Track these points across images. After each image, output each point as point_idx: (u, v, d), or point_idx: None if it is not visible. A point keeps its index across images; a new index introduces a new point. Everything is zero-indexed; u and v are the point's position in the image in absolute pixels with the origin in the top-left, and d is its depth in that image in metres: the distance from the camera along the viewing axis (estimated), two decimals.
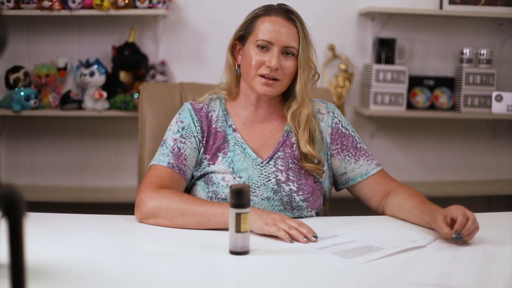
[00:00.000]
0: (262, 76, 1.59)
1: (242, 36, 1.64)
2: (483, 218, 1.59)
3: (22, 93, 2.93)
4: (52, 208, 2.57)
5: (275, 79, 1.59)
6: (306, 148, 1.62)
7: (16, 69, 3.02)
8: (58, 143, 3.20)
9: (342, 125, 1.71)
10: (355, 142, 1.70)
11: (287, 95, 1.68)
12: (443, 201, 1.43)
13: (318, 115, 1.70)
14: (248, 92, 1.66)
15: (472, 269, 1.21)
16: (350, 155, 1.68)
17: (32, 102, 2.94)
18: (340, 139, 1.69)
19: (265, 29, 1.59)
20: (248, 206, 1.27)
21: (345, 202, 2.43)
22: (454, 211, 1.37)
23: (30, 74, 3.05)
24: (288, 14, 1.61)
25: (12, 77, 2.98)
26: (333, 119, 1.70)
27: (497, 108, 3.18)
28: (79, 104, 3.01)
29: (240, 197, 1.26)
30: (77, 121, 3.19)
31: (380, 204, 1.67)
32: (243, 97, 1.68)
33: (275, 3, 1.66)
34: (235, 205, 1.26)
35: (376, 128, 3.34)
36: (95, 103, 2.98)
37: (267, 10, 1.62)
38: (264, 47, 1.59)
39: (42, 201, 2.97)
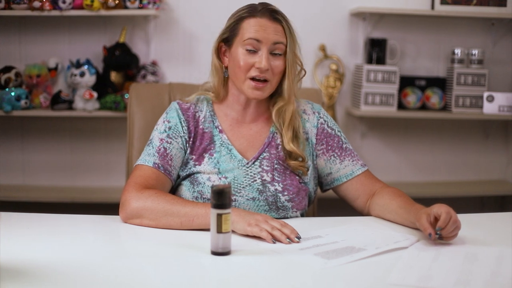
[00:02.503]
0: (252, 79, 1.59)
1: (227, 39, 1.63)
2: (474, 219, 1.59)
3: (13, 93, 2.93)
4: (44, 208, 2.58)
5: (265, 81, 1.59)
6: (289, 146, 1.62)
7: (7, 69, 3.02)
8: (49, 143, 3.20)
9: (328, 125, 1.71)
10: (340, 142, 1.70)
11: (273, 93, 1.67)
12: (434, 202, 1.42)
13: (303, 116, 1.70)
14: (237, 94, 1.66)
15: (453, 270, 1.21)
16: (336, 155, 1.69)
17: (22, 102, 2.94)
18: (325, 139, 1.69)
19: (252, 28, 1.58)
20: (230, 206, 1.27)
21: (332, 202, 2.42)
22: (437, 209, 1.37)
23: (21, 74, 3.05)
24: (273, 14, 1.60)
25: (3, 78, 2.98)
26: (319, 119, 1.71)
27: (489, 108, 3.19)
28: (69, 104, 3.00)
29: (221, 198, 1.26)
30: (68, 121, 3.19)
31: (365, 204, 1.68)
32: (231, 99, 1.68)
33: (259, 3, 1.65)
34: (216, 206, 1.26)
35: (368, 129, 3.34)
36: (85, 103, 2.98)
37: (251, 11, 1.61)
38: (252, 49, 1.58)
39: (33, 201, 2.98)
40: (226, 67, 1.65)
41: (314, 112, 1.72)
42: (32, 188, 3.16)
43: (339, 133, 1.72)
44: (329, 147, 1.69)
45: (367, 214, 1.67)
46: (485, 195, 3.37)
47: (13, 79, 2.99)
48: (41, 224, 1.54)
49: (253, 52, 1.58)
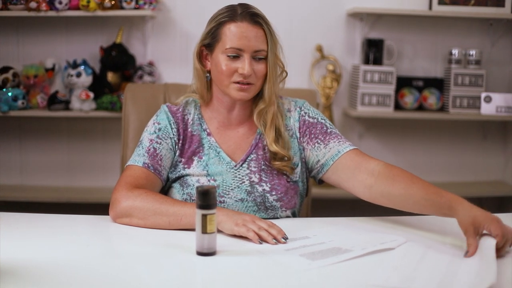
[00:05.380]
0: (236, 82, 1.59)
1: (208, 44, 1.63)
2: None
3: (10, 94, 2.94)
4: (41, 208, 2.59)
5: (249, 84, 1.59)
6: (273, 147, 1.62)
7: (5, 69, 3.03)
8: (47, 144, 3.21)
9: (309, 115, 1.70)
10: (324, 128, 1.67)
11: (256, 95, 1.67)
12: None
13: (287, 114, 1.70)
14: (221, 97, 1.66)
15: (438, 272, 1.20)
16: (319, 141, 1.65)
17: (19, 102, 2.95)
18: (308, 129, 1.68)
19: (233, 36, 1.57)
20: (215, 207, 1.27)
21: (326, 203, 2.43)
22: (491, 227, 1.31)
23: (19, 74, 3.06)
24: (253, 18, 1.59)
25: (1, 78, 2.99)
26: (300, 113, 1.70)
27: (486, 109, 3.18)
28: (66, 105, 3.01)
29: (206, 198, 1.26)
30: (65, 122, 3.20)
31: (363, 183, 1.56)
32: (216, 102, 1.68)
33: (238, 4, 1.63)
34: (201, 206, 1.26)
35: (365, 129, 3.33)
36: (82, 104, 2.99)
37: (232, 16, 1.59)
38: (235, 55, 1.57)
39: (30, 201, 2.99)
40: (209, 71, 1.66)
41: (296, 108, 1.71)
42: (29, 188, 3.17)
43: (322, 121, 1.69)
44: (312, 135, 1.67)
45: (369, 197, 1.56)
46: (483, 196, 3.35)
47: (11, 80, 3.00)
48: (38, 224, 1.55)
49: (235, 57, 1.58)
